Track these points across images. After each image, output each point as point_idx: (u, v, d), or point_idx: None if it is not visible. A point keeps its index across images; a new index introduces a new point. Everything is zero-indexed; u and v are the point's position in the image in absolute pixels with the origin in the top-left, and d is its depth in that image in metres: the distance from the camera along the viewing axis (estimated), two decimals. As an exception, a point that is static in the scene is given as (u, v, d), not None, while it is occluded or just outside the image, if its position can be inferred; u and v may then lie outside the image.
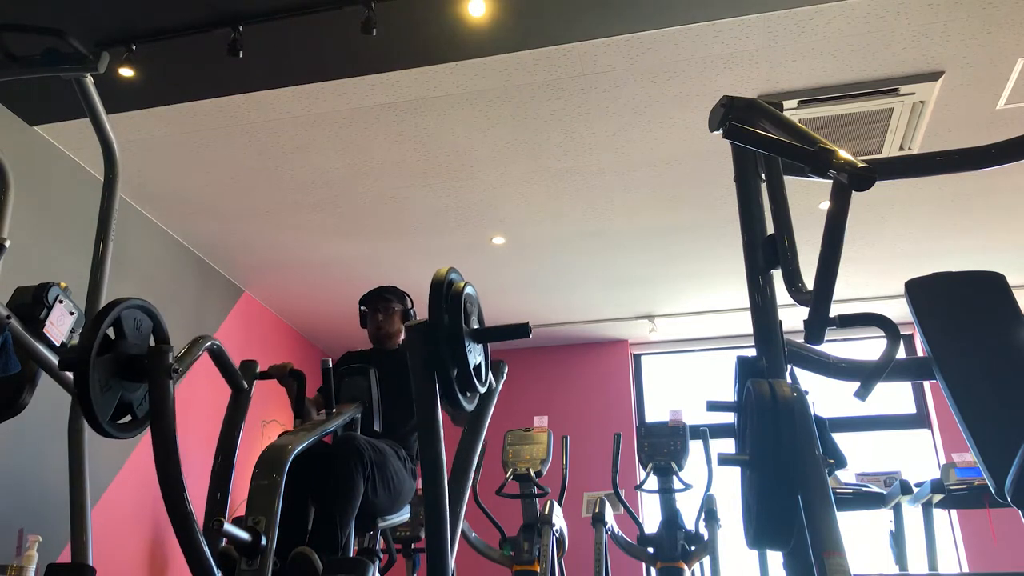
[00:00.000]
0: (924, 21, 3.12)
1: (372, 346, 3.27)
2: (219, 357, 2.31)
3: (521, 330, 2.01)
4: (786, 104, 3.55)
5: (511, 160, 4.09)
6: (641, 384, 6.82)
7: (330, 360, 2.62)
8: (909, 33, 3.19)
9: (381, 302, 3.23)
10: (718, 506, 4.23)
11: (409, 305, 3.28)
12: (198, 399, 4.60)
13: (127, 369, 1.94)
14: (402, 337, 3.24)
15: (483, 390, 2.10)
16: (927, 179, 4.29)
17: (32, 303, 2.33)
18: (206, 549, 1.84)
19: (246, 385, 2.50)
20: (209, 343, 2.21)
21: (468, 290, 2.03)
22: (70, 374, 2.39)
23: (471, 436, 2.51)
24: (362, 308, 3.28)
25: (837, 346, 4.19)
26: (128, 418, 2.01)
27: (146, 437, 4.24)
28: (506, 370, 2.58)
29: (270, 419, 5.66)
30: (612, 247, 5.10)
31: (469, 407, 2.06)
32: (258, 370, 2.63)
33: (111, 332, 1.94)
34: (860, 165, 1.28)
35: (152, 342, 2.09)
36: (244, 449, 2.49)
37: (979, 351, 1.69)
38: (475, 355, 2.03)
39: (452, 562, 2.07)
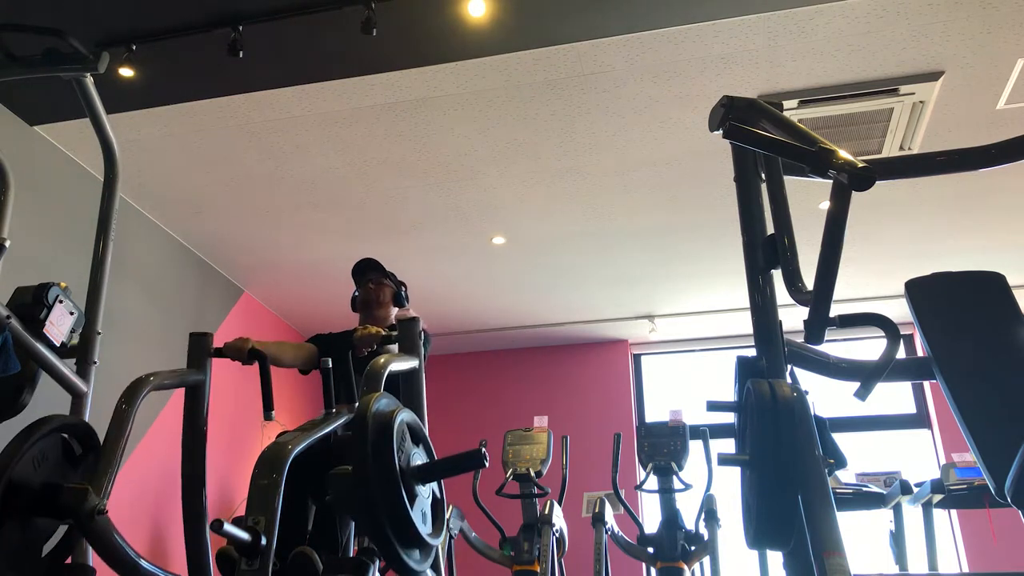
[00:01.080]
0: (924, 21, 3.12)
1: (360, 318, 3.22)
2: (164, 385, 2.29)
3: (475, 460, 1.70)
4: (786, 104, 3.55)
5: (511, 160, 4.09)
6: (641, 384, 6.81)
7: (330, 360, 2.62)
8: (909, 33, 3.19)
9: (373, 272, 3.21)
10: (718, 506, 4.23)
11: (402, 290, 3.26)
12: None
13: (45, 508, 1.88)
14: (391, 315, 3.21)
15: (437, 542, 1.76)
16: (927, 179, 4.29)
17: (32, 303, 2.33)
18: None
19: (197, 376, 2.43)
20: (143, 395, 2.11)
21: (402, 417, 1.70)
22: (70, 374, 2.39)
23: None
24: (356, 291, 3.25)
25: (837, 346, 4.18)
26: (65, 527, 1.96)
27: (146, 435, 4.22)
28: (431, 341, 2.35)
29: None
30: (612, 247, 5.10)
31: (422, 567, 1.73)
32: (212, 347, 2.53)
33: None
34: (860, 165, 1.28)
35: (77, 451, 2.04)
36: (244, 449, 2.48)
37: (979, 351, 1.69)
38: (424, 497, 1.71)
39: None
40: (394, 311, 3.23)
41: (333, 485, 1.67)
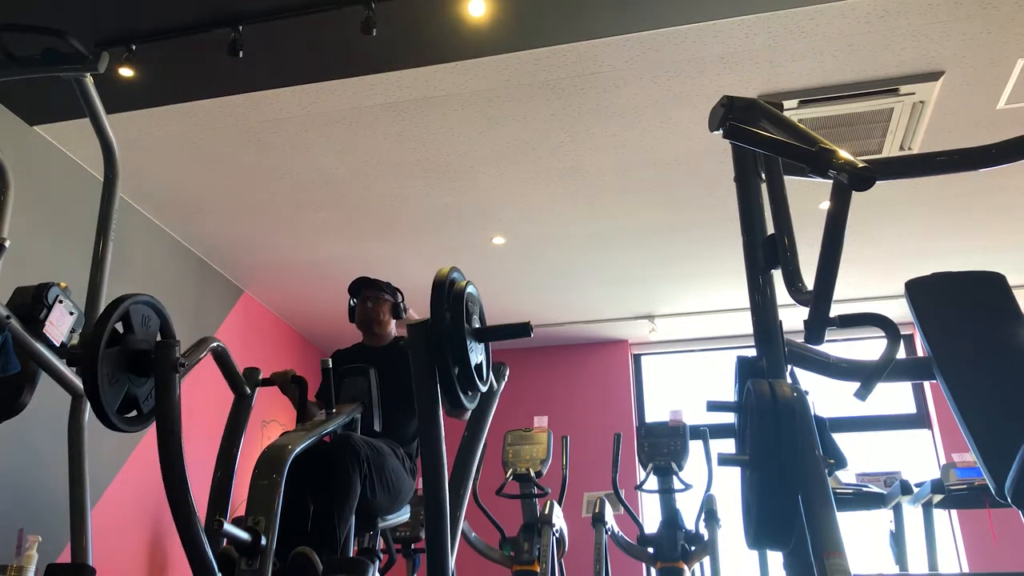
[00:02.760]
0: (924, 21, 3.12)
1: (361, 339, 3.26)
2: (222, 359, 2.31)
3: (522, 329, 2.03)
4: (786, 104, 3.54)
5: (511, 160, 4.09)
6: (641, 384, 6.82)
7: (329, 360, 2.62)
8: (909, 33, 3.19)
9: (370, 289, 3.23)
10: (718, 506, 4.23)
11: (399, 300, 3.28)
12: (202, 402, 4.60)
13: (134, 363, 1.96)
14: (391, 328, 3.24)
15: (484, 389, 2.10)
16: (927, 179, 4.29)
17: (32, 303, 2.33)
18: (206, 541, 1.84)
19: (248, 391, 2.50)
20: (214, 344, 2.21)
21: (470, 289, 2.04)
22: (70, 374, 2.39)
23: (472, 437, 2.51)
24: (351, 300, 3.27)
25: (837, 346, 4.18)
26: (134, 413, 2.02)
27: (147, 436, 4.23)
28: (507, 372, 2.58)
29: (270, 419, 5.66)
30: (612, 247, 5.10)
31: (470, 405, 2.07)
32: (261, 377, 2.63)
33: (120, 326, 1.95)
34: (860, 165, 1.28)
35: (159, 339, 2.09)
36: (244, 449, 2.49)
37: (979, 351, 1.69)
38: (476, 354, 2.04)
39: (452, 563, 2.08)
40: (393, 323, 3.25)
41: (411, 331, 1.96)
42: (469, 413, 2.24)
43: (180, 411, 1.86)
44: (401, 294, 3.31)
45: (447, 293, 1.96)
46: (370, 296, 3.21)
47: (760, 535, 1.48)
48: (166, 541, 4.44)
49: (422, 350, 1.94)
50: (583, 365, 6.75)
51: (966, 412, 1.57)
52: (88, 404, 2.43)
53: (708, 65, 3.39)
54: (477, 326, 2.07)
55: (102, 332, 1.84)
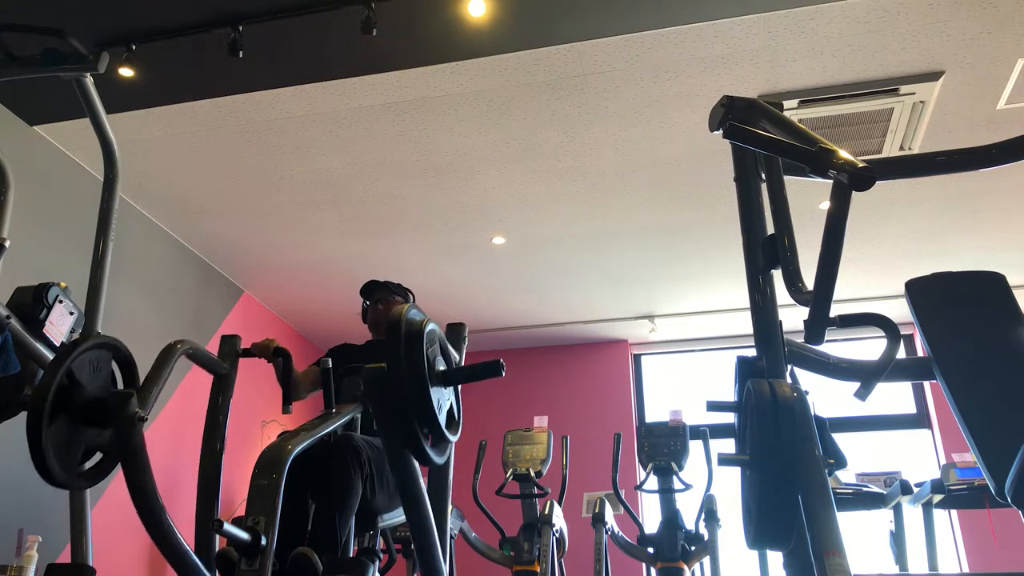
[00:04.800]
0: (924, 21, 3.12)
1: (371, 337, 3.27)
2: (196, 356, 2.30)
3: (493, 369, 1.87)
4: (786, 104, 3.55)
5: (511, 160, 4.09)
6: (641, 384, 6.82)
7: (330, 360, 2.62)
8: (909, 33, 3.19)
9: (383, 292, 3.24)
10: (718, 506, 4.23)
11: (410, 301, 3.29)
12: (203, 385, 4.59)
13: (91, 414, 1.90)
14: None
15: (455, 438, 1.94)
16: (927, 179, 4.29)
17: (32, 303, 2.33)
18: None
19: (227, 366, 2.48)
20: (182, 351, 2.16)
21: (431, 327, 1.89)
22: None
23: (438, 487, 2.39)
24: (364, 303, 3.29)
25: (837, 346, 4.19)
26: (98, 456, 1.98)
27: (147, 435, 4.25)
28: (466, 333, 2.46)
29: (270, 419, 5.65)
30: (612, 247, 5.10)
31: (440, 459, 1.91)
32: (240, 347, 2.60)
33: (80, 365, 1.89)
34: (860, 165, 1.28)
35: (120, 376, 2.06)
36: (244, 449, 2.48)
37: (979, 351, 1.69)
38: (444, 400, 1.88)
39: None
40: None
41: (366, 377, 1.81)
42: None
43: (147, 460, 1.82)
44: (412, 295, 3.32)
45: (404, 335, 1.78)
46: (381, 298, 3.23)
47: (760, 535, 1.48)
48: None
49: (380, 405, 1.79)
50: (583, 365, 6.75)
51: (966, 412, 1.57)
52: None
53: (708, 65, 3.39)
54: (442, 368, 1.91)
55: (44, 399, 1.77)
